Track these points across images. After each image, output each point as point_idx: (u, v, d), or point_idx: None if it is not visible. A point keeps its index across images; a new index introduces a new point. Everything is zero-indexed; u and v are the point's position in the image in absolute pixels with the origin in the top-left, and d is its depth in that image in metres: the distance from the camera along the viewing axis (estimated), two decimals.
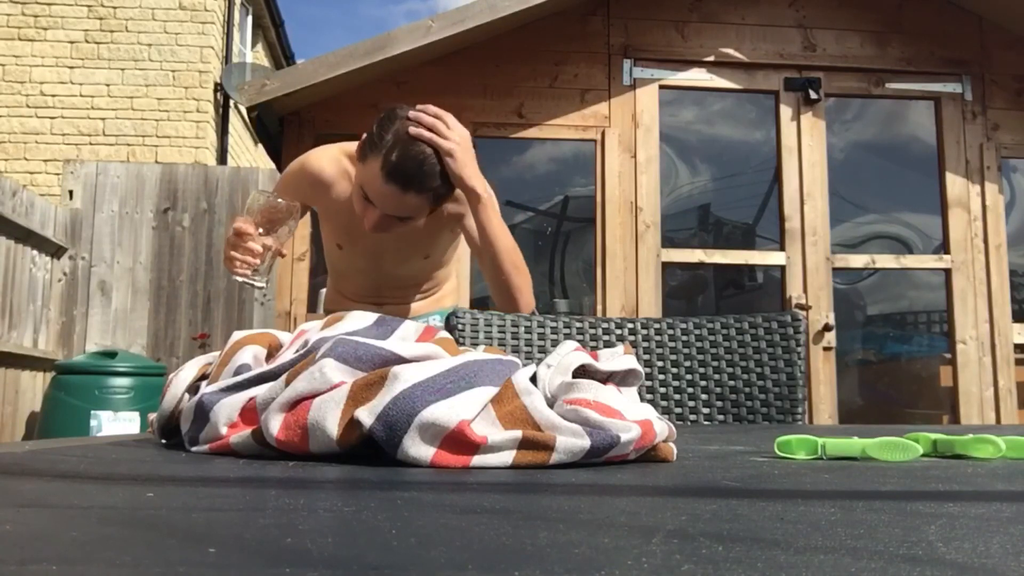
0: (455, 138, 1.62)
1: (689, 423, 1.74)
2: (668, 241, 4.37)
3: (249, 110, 4.15)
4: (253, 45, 10.93)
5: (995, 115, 4.55)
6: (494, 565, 0.31)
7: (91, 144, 8.25)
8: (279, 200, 1.58)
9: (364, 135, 1.67)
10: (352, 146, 1.80)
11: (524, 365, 0.81)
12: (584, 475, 0.64)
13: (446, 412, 0.66)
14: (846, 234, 4.64)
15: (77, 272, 5.31)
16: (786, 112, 4.45)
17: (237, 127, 9.52)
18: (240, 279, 1.59)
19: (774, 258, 4.41)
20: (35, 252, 4.99)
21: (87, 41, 8.49)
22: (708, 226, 4.88)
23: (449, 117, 1.64)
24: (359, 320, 0.90)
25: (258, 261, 1.57)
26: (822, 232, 4.38)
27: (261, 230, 1.57)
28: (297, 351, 0.83)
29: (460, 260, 4.19)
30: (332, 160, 1.83)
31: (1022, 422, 4.36)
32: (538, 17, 4.28)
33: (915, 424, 2.04)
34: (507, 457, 0.67)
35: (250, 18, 10.71)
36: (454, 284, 2.17)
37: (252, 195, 1.60)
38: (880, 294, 4.96)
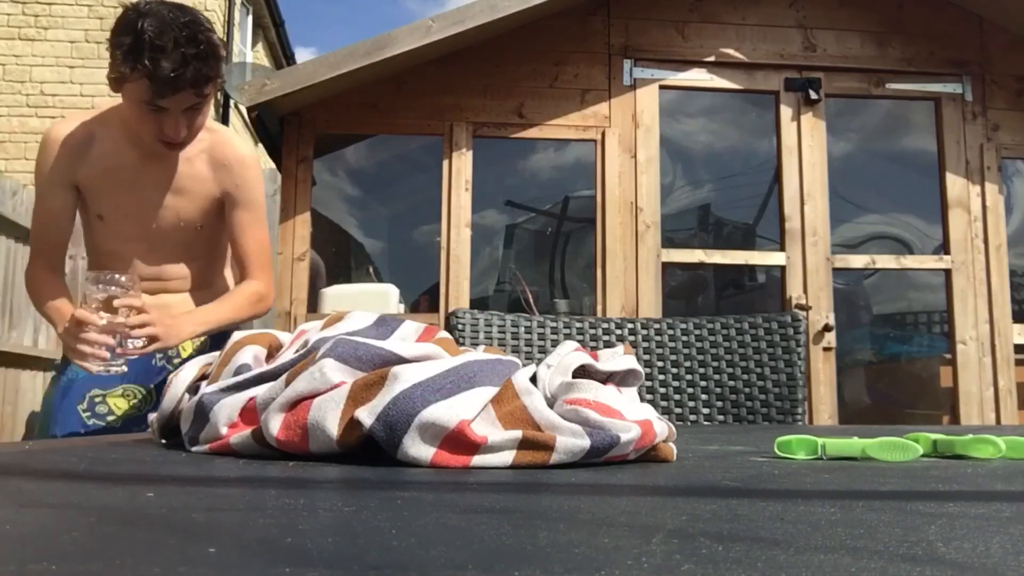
0: (152, 321, 1.57)
1: (689, 423, 1.74)
2: (668, 241, 4.37)
3: (249, 110, 4.15)
4: (253, 45, 10.93)
5: (995, 115, 4.55)
6: (494, 565, 0.31)
7: None
8: (116, 276, 1.51)
9: (109, 68, 1.61)
10: (88, 111, 1.79)
11: (524, 365, 0.81)
12: (584, 475, 0.64)
13: (446, 412, 0.66)
14: (846, 234, 4.64)
15: (77, 272, 5.30)
16: (786, 112, 4.45)
17: (237, 127, 9.52)
18: (96, 370, 1.50)
19: (774, 258, 4.41)
20: None
21: (87, 41, 8.49)
22: (708, 226, 4.88)
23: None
24: (359, 320, 0.90)
25: (107, 354, 1.48)
26: (822, 232, 4.38)
27: (104, 313, 1.48)
28: (297, 351, 0.83)
29: (459, 260, 4.20)
30: (77, 124, 1.78)
31: (1022, 422, 4.36)
32: (538, 17, 4.27)
33: (915, 424, 2.04)
34: (507, 457, 0.67)
35: (250, 18, 10.71)
36: (221, 287, 1.98)
37: (86, 276, 1.53)
38: (880, 294, 4.96)
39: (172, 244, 1.85)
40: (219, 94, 8.89)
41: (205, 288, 1.91)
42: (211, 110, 1.72)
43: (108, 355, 1.49)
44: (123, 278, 1.52)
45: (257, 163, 1.87)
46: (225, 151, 1.81)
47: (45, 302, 1.80)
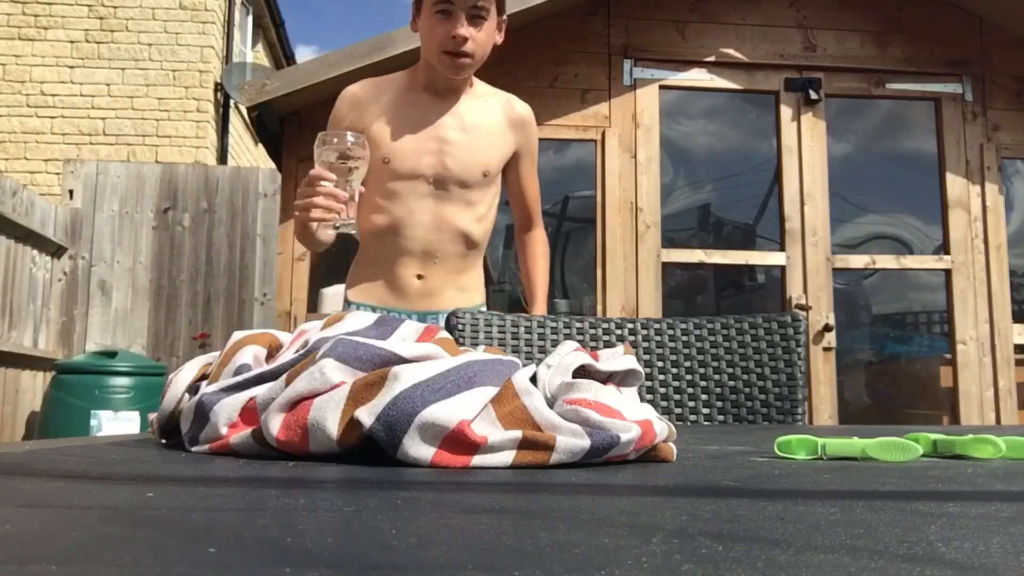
0: None
1: (689, 423, 1.74)
2: (668, 241, 4.37)
3: (249, 110, 4.15)
4: (253, 45, 10.93)
5: (995, 116, 4.55)
6: (494, 565, 0.31)
7: (91, 144, 8.25)
8: (348, 135, 1.51)
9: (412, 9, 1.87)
10: (380, 77, 1.96)
11: (524, 365, 0.81)
12: (584, 475, 0.64)
13: (446, 412, 0.66)
14: (846, 234, 4.64)
15: (77, 272, 5.31)
16: (786, 112, 4.45)
17: (237, 127, 9.52)
18: (332, 230, 1.51)
19: (774, 258, 4.41)
20: (35, 252, 5.00)
21: (87, 41, 8.49)
22: (708, 226, 4.88)
23: None
24: (359, 320, 0.90)
25: (343, 206, 1.49)
26: (822, 232, 4.38)
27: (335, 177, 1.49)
28: (297, 351, 0.83)
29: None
30: (365, 81, 1.95)
31: (1022, 422, 4.36)
32: (538, 17, 4.27)
33: (915, 424, 2.04)
34: (507, 457, 0.67)
35: (250, 18, 10.71)
36: (481, 278, 2.09)
37: (317, 139, 1.53)
38: (880, 295, 4.96)
39: (456, 190, 1.91)
40: (219, 94, 8.84)
41: (470, 266, 1.99)
42: (492, 37, 1.88)
43: (343, 208, 1.50)
44: (350, 136, 1.52)
45: (534, 117, 2.08)
46: (518, 109, 2.01)
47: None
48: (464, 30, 1.80)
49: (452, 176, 1.89)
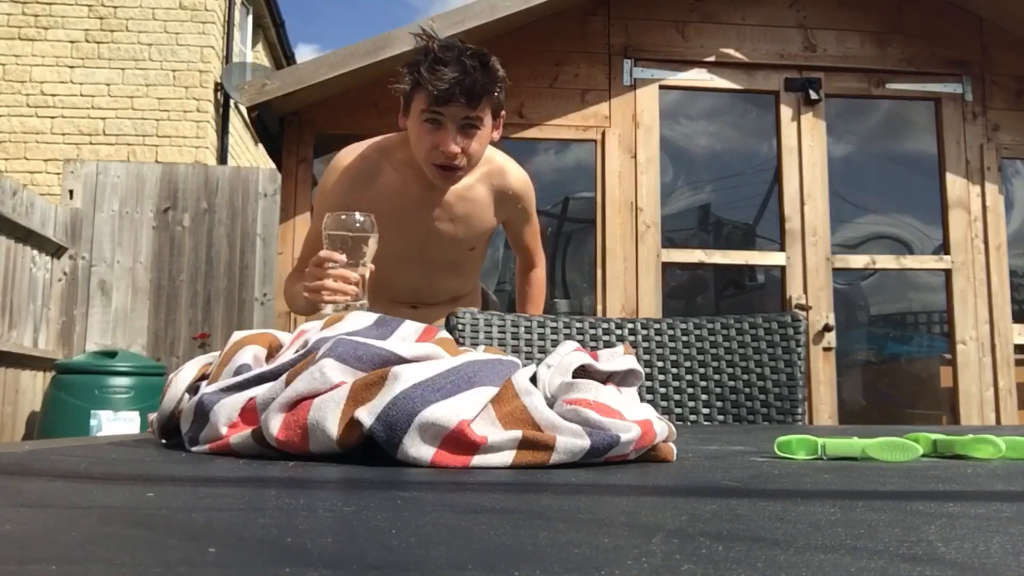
0: None
1: (689, 423, 1.74)
2: (668, 241, 4.37)
3: (249, 110, 4.15)
4: (253, 45, 10.93)
5: (995, 115, 4.55)
6: (494, 565, 0.31)
7: (91, 144, 8.25)
8: (357, 216, 1.48)
9: (401, 95, 1.75)
10: (371, 141, 1.90)
11: (524, 365, 0.81)
12: (584, 475, 0.64)
13: (446, 412, 0.66)
14: (846, 234, 4.64)
15: (77, 272, 5.31)
16: (786, 112, 4.45)
17: (237, 127, 9.52)
18: (339, 307, 1.48)
19: (774, 258, 4.41)
20: (35, 252, 5.00)
21: (87, 41, 8.49)
22: (708, 226, 4.88)
23: None
24: (359, 320, 0.90)
25: (356, 289, 1.47)
26: (822, 232, 4.38)
27: (345, 257, 1.47)
28: (297, 351, 0.83)
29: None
30: (361, 154, 1.89)
31: (1022, 422, 4.36)
32: (538, 17, 4.27)
33: (915, 424, 2.04)
34: (507, 457, 0.67)
35: (250, 18, 10.71)
36: (478, 299, 2.21)
37: (326, 220, 1.49)
38: (880, 295, 4.96)
39: (443, 263, 1.99)
40: (219, 94, 8.82)
41: (462, 296, 2.10)
42: (486, 143, 1.78)
43: (356, 291, 1.48)
44: (361, 217, 1.49)
45: (529, 181, 2.02)
46: (507, 181, 1.93)
47: (291, 289, 1.87)
48: (454, 145, 1.69)
49: (439, 257, 1.97)
